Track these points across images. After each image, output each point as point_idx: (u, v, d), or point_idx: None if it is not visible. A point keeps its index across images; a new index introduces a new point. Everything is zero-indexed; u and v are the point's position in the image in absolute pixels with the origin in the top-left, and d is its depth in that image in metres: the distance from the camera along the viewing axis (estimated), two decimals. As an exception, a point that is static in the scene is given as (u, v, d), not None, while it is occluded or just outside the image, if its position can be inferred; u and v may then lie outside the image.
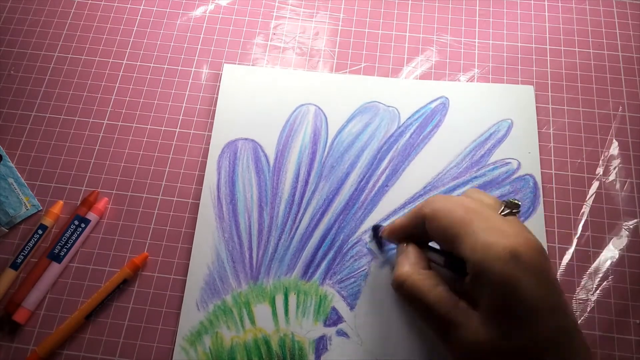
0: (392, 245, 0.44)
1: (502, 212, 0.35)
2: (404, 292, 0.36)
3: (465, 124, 0.49)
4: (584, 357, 0.32)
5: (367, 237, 0.45)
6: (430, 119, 0.49)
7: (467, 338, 0.32)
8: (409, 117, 0.49)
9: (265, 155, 0.48)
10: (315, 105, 0.50)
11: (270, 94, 0.50)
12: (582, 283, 0.44)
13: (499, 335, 0.31)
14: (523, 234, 0.33)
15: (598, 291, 0.44)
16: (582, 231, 0.46)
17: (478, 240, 0.32)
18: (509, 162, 0.48)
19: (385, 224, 0.44)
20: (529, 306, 0.31)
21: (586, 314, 0.43)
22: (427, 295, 0.34)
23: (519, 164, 0.48)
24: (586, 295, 0.44)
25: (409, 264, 0.37)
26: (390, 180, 0.47)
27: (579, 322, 0.43)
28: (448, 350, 0.34)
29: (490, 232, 0.32)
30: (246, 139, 0.49)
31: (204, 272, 0.44)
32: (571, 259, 0.45)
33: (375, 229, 0.45)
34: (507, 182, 0.47)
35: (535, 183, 0.47)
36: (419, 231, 0.37)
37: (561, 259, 0.45)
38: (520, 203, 0.36)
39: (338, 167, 0.48)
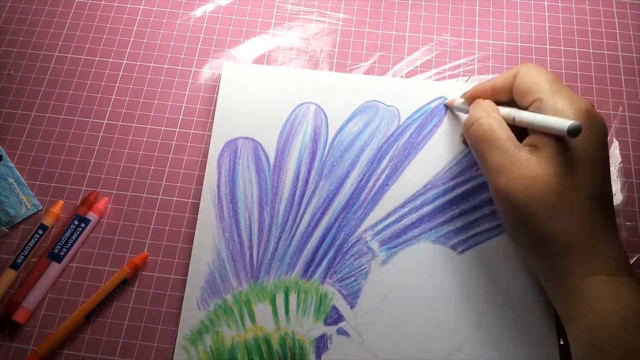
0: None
1: None
2: (477, 130, 0.39)
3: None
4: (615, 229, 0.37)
5: (368, 236, 0.45)
6: (430, 118, 0.49)
7: (526, 173, 0.36)
8: (409, 117, 0.49)
9: (266, 155, 0.48)
10: (316, 104, 0.50)
11: (270, 93, 0.50)
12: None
13: (555, 172, 0.35)
14: (593, 109, 0.38)
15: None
16: (582, 231, 0.46)
17: (563, 99, 0.37)
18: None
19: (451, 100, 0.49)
20: (592, 158, 0.36)
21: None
22: (499, 132, 0.38)
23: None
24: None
25: (483, 109, 0.41)
26: (391, 179, 0.47)
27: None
28: (499, 189, 0.37)
29: (572, 96, 0.37)
30: (246, 138, 0.48)
31: (204, 271, 0.44)
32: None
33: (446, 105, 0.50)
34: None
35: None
36: (502, 92, 0.42)
37: (561, 258, 0.45)
38: None
39: (338, 166, 0.48)
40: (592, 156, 0.36)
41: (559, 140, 0.36)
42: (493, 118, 0.39)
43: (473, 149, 0.40)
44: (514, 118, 0.39)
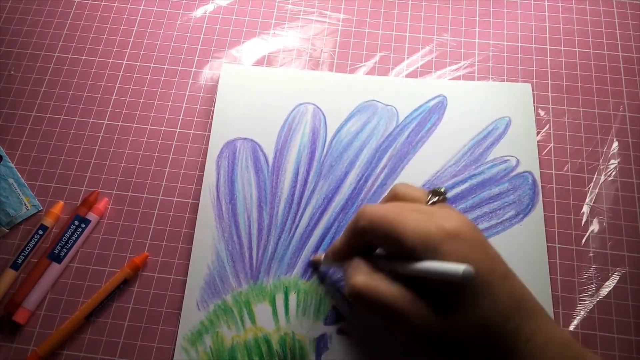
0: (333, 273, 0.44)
1: (429, 201, 0.35)
2: (365, 300, 0.33)
3: (463, 122, 0.49)
4: (544, 315, 0.33)
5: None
6: (428, 118, 0.49)
7: (432, 325, 0.32)
8: (407, 116, 0.49)
9: (264, 155, 0.48)
10: (314, 105, 0.50)
11: (268, 94, 0.50)
12: (583, 283, 0.44)
13: (460, 316, 0.31)
14: (456, 216, 0.33)
15: (598, 291, 0.44)
16: (582, 231, 0.46)
17: (417, 232, 0.32)
18: (508, 160, 0.48)
19: (317, 255, 0.44)
20: (482, 280, 0.31)
21: (586, 314, 0.43)
22: (388, 295, 0.33)
23: (518, 161, 0.48)
24: (586, 295, 0.44)
25: (361, 272, 0.35)
26: (389, 178, 0.47)
27: (579, 322, 0.43)
28: (420, 344, 0.33)
29: (427, 221, 0.32)
30: (245, 138, 0.49)
31: (204, 272, 0.44)
32: (571, 259, 0.45)
33: (314, 263, 0.44)
34: (505, 179, 0.47)
35: (534, 180, 0.47)
36: (360, 245, 0.36)
37: (562, 259, 0.45)
38: (444, 189, 0.36)
39: (337, 166, 0.48)
40: (484, 276, 0.32)
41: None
42: (373, 282, 0.34)
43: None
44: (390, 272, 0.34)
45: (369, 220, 0.35)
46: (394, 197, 0.37)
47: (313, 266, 0.45)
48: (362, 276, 0.34)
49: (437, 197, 0.35)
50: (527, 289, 0.34)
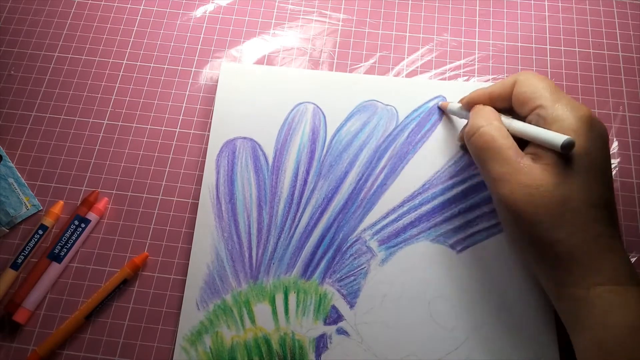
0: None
1: None
2: (479, 140, 0.39)
3: (463, 123, 0.49)
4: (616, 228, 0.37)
5: (367, 235, 0.45)
6: (428, 117, 0.49)
7: (529, 182, 0.36)
8: (407, 116, 0.49)
9: (264, 154, 0.48)
10: (314, 104, 0.50)
11: (268, 93, 0.50)
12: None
13: (559, 181, 0.35)
14: (595, 116, 0.38)
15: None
16: (582, 230, 0.46)
17: (563, 107, 0.37)
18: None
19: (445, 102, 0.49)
20: (595, 166, 0.36)
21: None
22: (501, 141, 0.38)
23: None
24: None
25: (483, 118, 0.40)
26: (389, 178, 0.47)
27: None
28: (502, 198, 0.37)
29: (573, 103, 0.37)
30: (244, 137, 0.49)
31: (203, 271, 0.44)
32: (571, 259, 0.45)
33: (440, 108, 0.49)
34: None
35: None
36: (500, 100, 0.42)
37: (561, 258, 0.45)
38: None
39: (337, 166, 0.48)
40: (595, 165, 0.36)
41: None
42: (494, 126, 0.39)
43: (475, 158, 0.40)
44: (507, 128, 0.39)
45: (527, 76, 0.40)
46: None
47: (441, 109, 0.49)
48: (484, 120, 0.40)
49: None
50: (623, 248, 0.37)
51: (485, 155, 0.38)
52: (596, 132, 0.37)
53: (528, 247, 0.37)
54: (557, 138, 0.35)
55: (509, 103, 0.41)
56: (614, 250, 0.35)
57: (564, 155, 0.36)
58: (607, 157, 0.37)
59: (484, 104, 0.43)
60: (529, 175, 0.36)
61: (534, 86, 0.39)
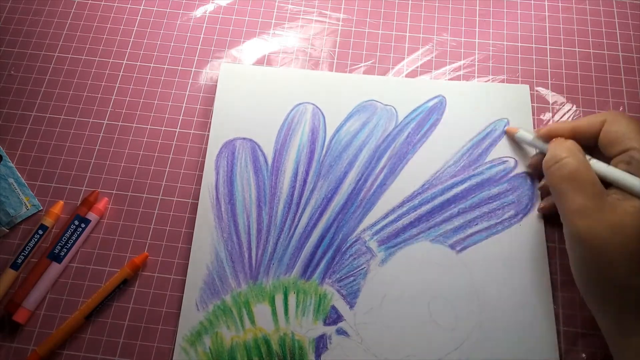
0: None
1: None
2: (561, 170, 0.38)
3: (462, 123, 0.49)
4: None
5: (366, 235, 0.45)
6: (427, 117, 0.49)
7: (614, 220, 0.35)
8: (407, 116, 0.49)
9: (264, 155, 0.48)
10: (313, 104, 0.50)
11: (267, 93, 0.50)
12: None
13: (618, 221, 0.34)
14: None
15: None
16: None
17: None
18: (506, 160, 0.48)
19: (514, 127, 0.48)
20: None
21: (588, 314, 0.43)
22: (586, 174, 0.37)
23: (516, 162, 0.48)
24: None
25: (567, 150, 0.39)
26: (389, 179, 0.47)
27: (580, 321, 0.43)
28: (580, 232, 0.36)
29: None
30: (244, 138, 0.49)
31: (203, 272, 0.44)
32: (571, 259, 0.45)
33: (508, 132, 0.49)
34: (504, 180, 0.47)
35: (532, 181, 0.47)
36: (585, 136, 0.41)
37: (562, 259, 0.45)
38: None
39: (336, 166, 0.48)
40: None
41: None
42: (579, 158, 0.38)
43: (553, 189, 0.39)
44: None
45: (617, 115, 0.39)
46: None
47: (508, 134, 0.49)
48: (567, 152, 0.39)
49: None
50: None
51: (568, 186, 0.37)
52: None
53: (597, 287, 0.36)
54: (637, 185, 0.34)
55: (593, 141, 0.40)
56: None
57: None
58: None
59: (565, 137, 0.42)
60: (614, 213, 0.35)
61: (625, 128, 0.38)
